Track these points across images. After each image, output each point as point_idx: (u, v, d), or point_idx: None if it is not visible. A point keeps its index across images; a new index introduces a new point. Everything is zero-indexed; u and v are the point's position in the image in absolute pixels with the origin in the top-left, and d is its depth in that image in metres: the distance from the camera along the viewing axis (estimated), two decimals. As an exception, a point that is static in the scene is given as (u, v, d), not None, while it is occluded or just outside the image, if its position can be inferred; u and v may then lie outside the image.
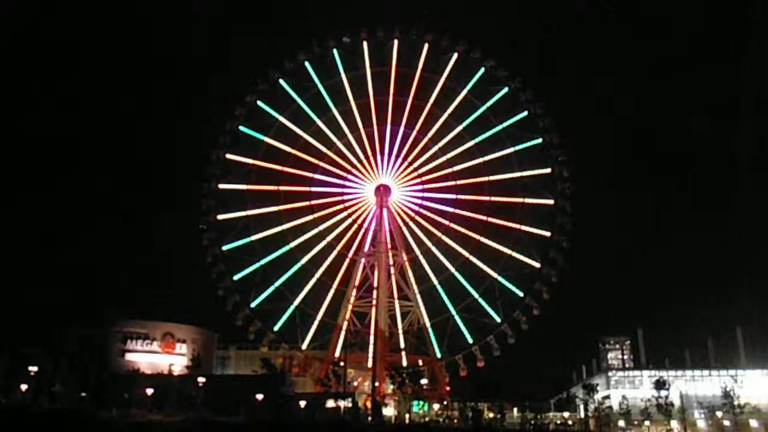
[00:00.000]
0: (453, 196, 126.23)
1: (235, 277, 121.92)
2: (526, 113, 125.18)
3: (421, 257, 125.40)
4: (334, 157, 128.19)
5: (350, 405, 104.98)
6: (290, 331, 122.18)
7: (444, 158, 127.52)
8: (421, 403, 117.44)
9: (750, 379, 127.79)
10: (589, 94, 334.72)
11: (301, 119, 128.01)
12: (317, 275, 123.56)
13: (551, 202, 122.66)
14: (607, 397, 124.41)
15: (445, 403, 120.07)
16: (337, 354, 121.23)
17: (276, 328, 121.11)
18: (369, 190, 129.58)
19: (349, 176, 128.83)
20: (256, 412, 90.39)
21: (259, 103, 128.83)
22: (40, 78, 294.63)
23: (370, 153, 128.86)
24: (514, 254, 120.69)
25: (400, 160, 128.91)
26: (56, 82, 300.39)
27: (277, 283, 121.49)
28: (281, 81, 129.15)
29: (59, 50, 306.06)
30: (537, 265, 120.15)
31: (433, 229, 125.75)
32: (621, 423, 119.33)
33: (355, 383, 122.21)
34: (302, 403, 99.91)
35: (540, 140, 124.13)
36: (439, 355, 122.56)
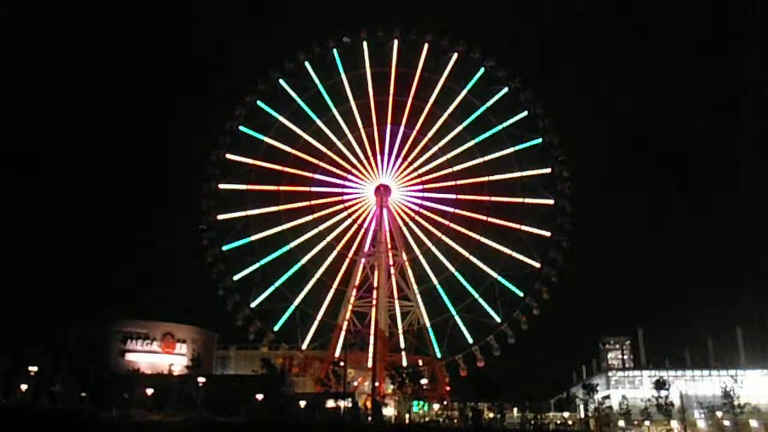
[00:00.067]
0: (453, 196, 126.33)
1: (235, 277, 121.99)
2: (526, 113, 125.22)
3: (421, 257, 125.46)
4: (334, 157, 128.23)
5: (350, 405, 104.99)
6: (290, 331, 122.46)
7: (444, 158, 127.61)
8: (421, 403, 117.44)
9: (750, 379, 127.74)
10: (589, 94, 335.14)
11: (301, 119, 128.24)
12: (317, 275, 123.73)
13: (551, 202, 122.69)
14: (607, 397, 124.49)
15: (445, 403, 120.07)
16: (337, 354, 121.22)
17: (276, 328, 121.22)
18: (369, 190, 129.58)
19: (349, 176, 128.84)
20: (256, 412, 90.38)
21: (259, 103, 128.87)
22: (40, 78, 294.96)
23: (370, 153, 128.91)
24: (514, 254, 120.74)
25: (400, 160, 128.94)
26: (56, 81, 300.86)
27: (277, 283, 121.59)
28: (281, 81, 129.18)
29: (59, 50, 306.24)
30: (537, 265, 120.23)
31: (433, 229, 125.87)
32: (621, 423, 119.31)
33: (355, 383, 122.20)
34: (302, 403, 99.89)
35: (540, 140, 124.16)
36: (439, 355, 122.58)
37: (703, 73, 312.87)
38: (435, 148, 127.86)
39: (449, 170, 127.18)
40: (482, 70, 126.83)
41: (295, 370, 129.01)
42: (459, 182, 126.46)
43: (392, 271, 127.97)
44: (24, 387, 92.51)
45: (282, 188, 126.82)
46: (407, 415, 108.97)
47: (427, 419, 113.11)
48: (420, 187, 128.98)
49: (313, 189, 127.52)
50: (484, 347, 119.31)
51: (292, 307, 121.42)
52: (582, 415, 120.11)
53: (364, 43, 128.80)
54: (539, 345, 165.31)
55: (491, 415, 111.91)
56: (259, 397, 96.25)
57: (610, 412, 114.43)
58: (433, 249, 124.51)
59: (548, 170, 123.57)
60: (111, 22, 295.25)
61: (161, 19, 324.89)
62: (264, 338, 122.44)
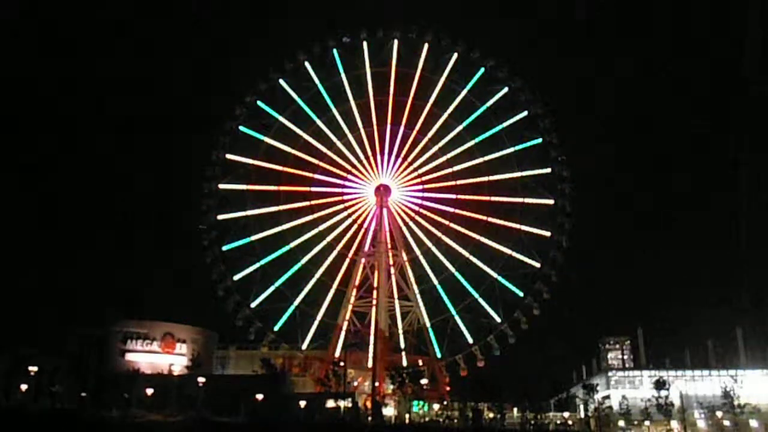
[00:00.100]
0: (453, 196, 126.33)
1: (235, 277, 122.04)
2: (526, 113, 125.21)
3: (421, 257, 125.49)
4: (334, 157, 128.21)
5: (350, 405, 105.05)
6: (290, 331, 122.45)
7: (444, 158, 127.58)
8: (421, 403, 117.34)
9: (750, 379, 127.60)
10: (590, 93, 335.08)
11: (301, 119, 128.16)
12: (317, 275, 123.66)
13: (551, 202, 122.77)
14: (607, 397, 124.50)
15: (445, 403, 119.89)
16: (337, 354, 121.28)
17: (276, 328, 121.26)
18: (369, 190, 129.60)
19: (349, 176, 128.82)
20: (256, 412, 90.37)
21: (259, 103, 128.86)
22: (40, 76, 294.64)
23: (370, 153, 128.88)
24: (514, 254, 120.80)
25: (400, 160, 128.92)
26: (56, 80, 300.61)
27: (277, 283, 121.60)
28: (281, 81, 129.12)
29: (59, 50, 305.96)
30: (537, 265, 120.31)
31: (433, 229, 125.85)
32: (621, 423, 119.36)
33: (355, 383, 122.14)
34: (302, 403, 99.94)
35: (540, 140, 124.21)
36: (439, 355, 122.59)
37: (703, 72, 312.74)
38: (435, 148, 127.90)
39: (449, 170, 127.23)
40: (482, 70, 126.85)
41: (295, 370, 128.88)
42: (459, 182, 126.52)
43: (392, 271, 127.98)
44: (24, 387, 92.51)
45: (282, 188, 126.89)
46: (407, 415, 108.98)
47: (427, 419, 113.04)
48: (420, 187, 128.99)
49: (313, 189, 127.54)
50: (484, 347, 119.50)
51: (292, 307, 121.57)
52: (582, 415, 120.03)
53: (364, 43, 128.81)
54: (539, 345, 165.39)
55: (491, 415, 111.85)
56: (259, 397, 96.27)
57: (610, 412, 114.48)
58: (433, 249, 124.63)
59: (548, 170, 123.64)
60: (111, 22, 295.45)
61: (161, 19, 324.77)
62: (264, 338, 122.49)
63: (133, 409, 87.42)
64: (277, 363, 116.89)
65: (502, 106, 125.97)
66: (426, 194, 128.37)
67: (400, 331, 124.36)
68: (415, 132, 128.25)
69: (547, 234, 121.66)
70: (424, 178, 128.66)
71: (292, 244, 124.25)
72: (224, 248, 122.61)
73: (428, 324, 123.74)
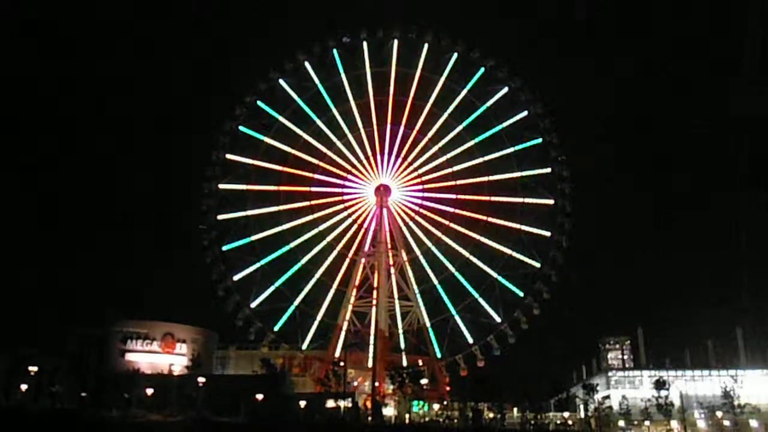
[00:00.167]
0: (453, 196, 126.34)
1: (235, 277, 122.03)
2: (526, 113, 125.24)
3: (421, 257, 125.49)
4: (334, 157, 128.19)
5: (350, 405, 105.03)
6: (290, 331, 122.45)
7: (444, 158, 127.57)
8: (421, 403, 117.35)
9: (750, 379, 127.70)
10: (590, 93, 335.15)
11: (301, 119, 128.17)
12: (317, 275, 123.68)
13: (551, 202, 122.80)
14: (607, 397, 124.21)
15: (445, 403, 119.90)
16: (337, 354, 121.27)
17: (276, 328, 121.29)
18: (369, 190, 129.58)
19: (349, 176, 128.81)
20: (256, 412, 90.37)
21: (259, 103, 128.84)
22: (40, 76, 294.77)
23: (370, 153, 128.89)
24: (514, 254, 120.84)
25: (400, 160, 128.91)
26: (56, 80, 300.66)
27: (277, 283, 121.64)
28: (281, 81, 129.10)
29: (59, 50, 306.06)
30: (537, 265, 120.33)
31: (433, 229, 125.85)
32: (621, 423, 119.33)
33: (355, 383, 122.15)
34: (302, 403, 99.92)
35: (540, 140, 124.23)
36: (439, 355, 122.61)
37: (703, 72, 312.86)
38: (435, 148, 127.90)
39: (449, 170, 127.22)
40: (482, 70, 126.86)
41: (295, 370, 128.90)
42: (459, 182, 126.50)
43: (392, 271, 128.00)
44: (24, 387, 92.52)
45: (282, 188, 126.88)
46: (407, 415, 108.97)
47: (427, 419, 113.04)
48: (420, 187, 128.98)
49: (313, 189, 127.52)
50: (484, 347, 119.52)
51: (292, 307, 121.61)
52: (582, 415, 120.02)
53: (364, 43, 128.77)
54: (539, 345, 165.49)
55: (491, 415, 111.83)
56: (259, 397, 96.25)
57: (610, 412, 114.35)
58: (433, 249, 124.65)
59: (548, 170, 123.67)
60: (111, 22, 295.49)
61: (161, 19, 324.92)
62: (264, 338, 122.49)
63: (133, 409, 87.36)
64: (277, 363, 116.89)
65: (501, 106, 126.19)
66: (426, 194, 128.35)
67: (400, 331, 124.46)
68: (415, 132, 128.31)
69: (547, 234, 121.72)
70: (424, 178, 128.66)
71: (292, 244, 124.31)
72: (224, 248, 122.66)
73: (428, 324, 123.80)
